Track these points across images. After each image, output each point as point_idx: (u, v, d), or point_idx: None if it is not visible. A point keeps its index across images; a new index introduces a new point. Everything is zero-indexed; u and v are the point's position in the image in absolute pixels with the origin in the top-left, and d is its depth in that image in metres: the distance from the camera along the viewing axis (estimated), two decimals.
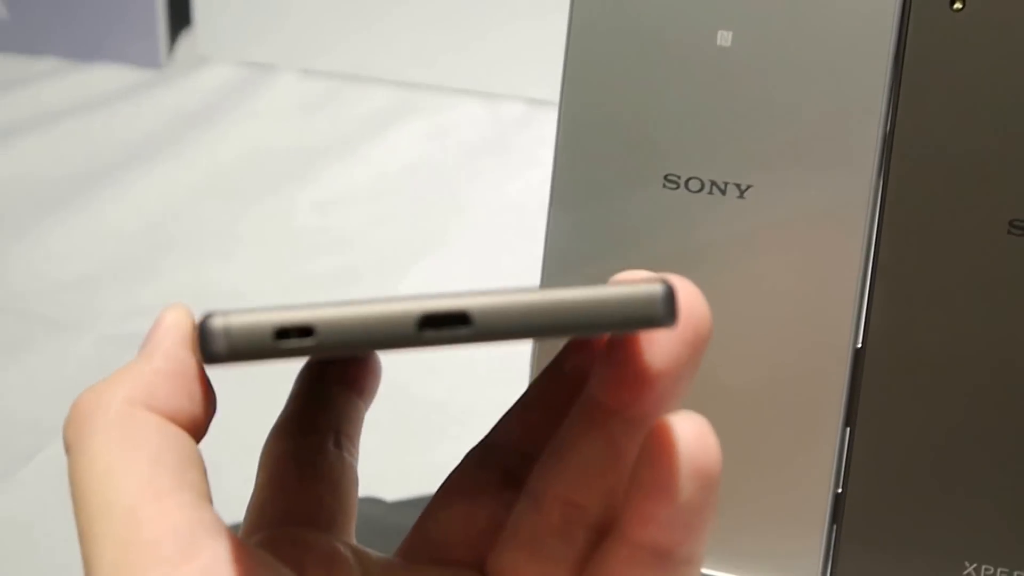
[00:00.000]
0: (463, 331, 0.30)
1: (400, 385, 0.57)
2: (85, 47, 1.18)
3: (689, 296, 0.34)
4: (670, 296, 0.31)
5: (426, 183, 0.93)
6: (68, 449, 0.35)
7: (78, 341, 0.72)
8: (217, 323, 0.30)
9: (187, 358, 0.35)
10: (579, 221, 0.51)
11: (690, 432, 0.33)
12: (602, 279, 0.50)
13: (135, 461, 0.33)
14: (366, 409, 0.43)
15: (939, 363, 0.47)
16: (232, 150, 1.00)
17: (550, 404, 0.39)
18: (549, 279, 0.51)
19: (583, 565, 0.36)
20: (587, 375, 0.37)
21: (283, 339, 0.30)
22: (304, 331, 0.30)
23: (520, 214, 0.85)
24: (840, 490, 0.49)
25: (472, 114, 1.04)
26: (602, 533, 0.36)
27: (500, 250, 0.82)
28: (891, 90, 0.47)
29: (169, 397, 0.34)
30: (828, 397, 0.48)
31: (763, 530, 0.49)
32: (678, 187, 0.49)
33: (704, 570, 0.50)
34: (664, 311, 0.31)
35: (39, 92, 1.11)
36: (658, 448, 0.33)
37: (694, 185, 0.49)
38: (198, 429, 0.35)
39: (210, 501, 0.34)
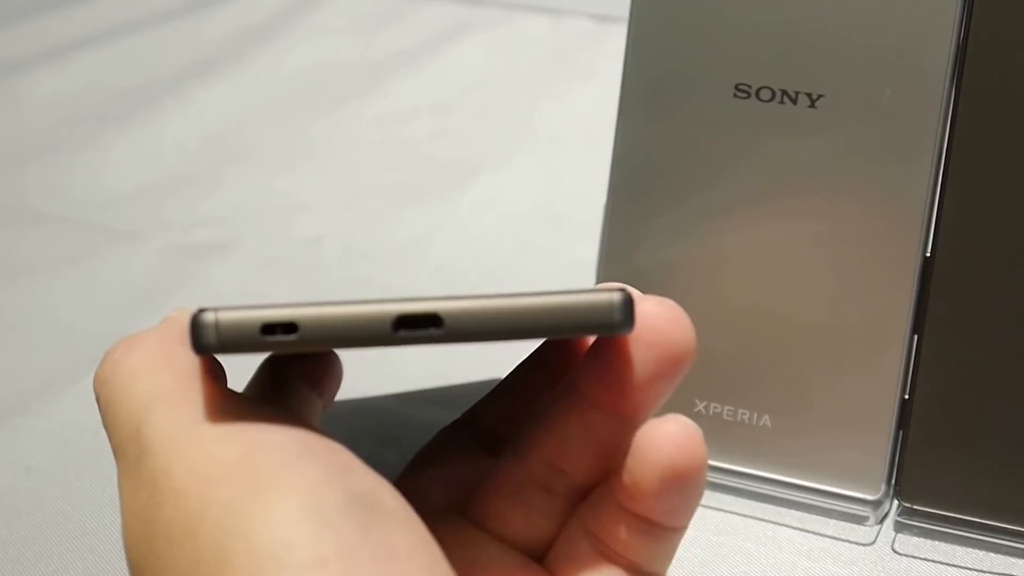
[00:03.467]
0: (435, 332, 0.33)
1: None
2: None
3: (670, 320, 0.35)
4: (627, 304, 0.33)
5: (489, 98, 0.92)
6: (103, 384, 0.36)
7: (140, 251, 0.72)
8: (208, 318, 0.32)
9: None
10: (648, 131, 0.50)
11: (672, 440, 0.34)
12: (671, 192, 0.49)
13: (179, 355, 0.35)
14: (324, 410, 0.45)
15: (1008, 271, 0.47)
16: (294, 65, 0.99)
17: (526, 393, 0.41)
18: (617, 191, 0.51)
19: (564, 517, 0.38)
20: (566, 370, 0.39)
21: (268, 334, 0.32)
22: (288, 327, 0.32)
23: (584, 128, 0.84)
24: (907, 396, 0.48)
25: (536, 30, 1.03)
26: (584, 492, 0.38)
27: (564, 164, 0.82)
28: None
29: None
30: (896, 304, 0.48)
31: (830, 436, 0.49)
32: (748, 96, 0.49)
33: (771, 475, 0.50)
34: (620, 318, 0.33)
35: (102, 7, 1.10)
36: (641, 452, 0.34)
37: (765, 95, 0.48)
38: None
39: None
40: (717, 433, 0.50)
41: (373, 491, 0.31)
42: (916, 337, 0.48)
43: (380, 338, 0.33)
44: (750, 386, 0.50)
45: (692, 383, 0.50)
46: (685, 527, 0.37)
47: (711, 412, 0.50)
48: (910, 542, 0.49)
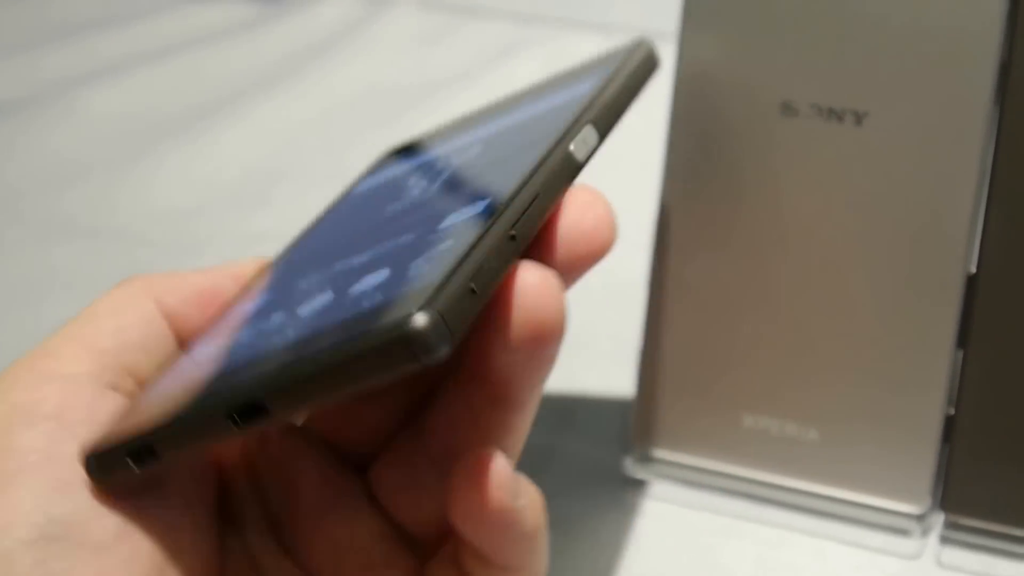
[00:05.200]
0: (265, 420, 0.31)
1: None
2: None
3: (541, 290, 0.34)
4: (427, 333, 0.29)
5: None
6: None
7: (192, 267, 0.73)
8: (88, 456, 0.34)
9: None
10: (696, 149, 0.51)
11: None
12: (719, 208, 0.50)
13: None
14: None
15: None
16: (349, 83, 1.00)
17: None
18: (667, 207, 0.51)
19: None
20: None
21: (139, 462, 0.33)
22: (148, 452, 0.33)
23: (634, 144, 0.84)
24: (952, 411, 0.48)
25: (588, 47, 1.03)
26: None
27: (615, 180, 0.82)
28: (1009, 16, 0.46)
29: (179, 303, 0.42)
30: (941, 319, 0.48)
31: (875, 450, 0.49)
32: (796, 115, 0.49)
33: (818, 489, 0.50)
34: (423, 350, 0.29)
35: (158, 25, 1.12)
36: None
37: (811, 112, 0.48)
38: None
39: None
40: (764, 447, 0.51)
41: (79, 521, 0.33)
42: (961, 352, 0.48)
43: (228, 434, 0.32)
44: (797, 400, 0.50)
45: (740, 396, 0.51)
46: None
47: (759, 426, 0.51)
48: (955, 555, 0.49)
